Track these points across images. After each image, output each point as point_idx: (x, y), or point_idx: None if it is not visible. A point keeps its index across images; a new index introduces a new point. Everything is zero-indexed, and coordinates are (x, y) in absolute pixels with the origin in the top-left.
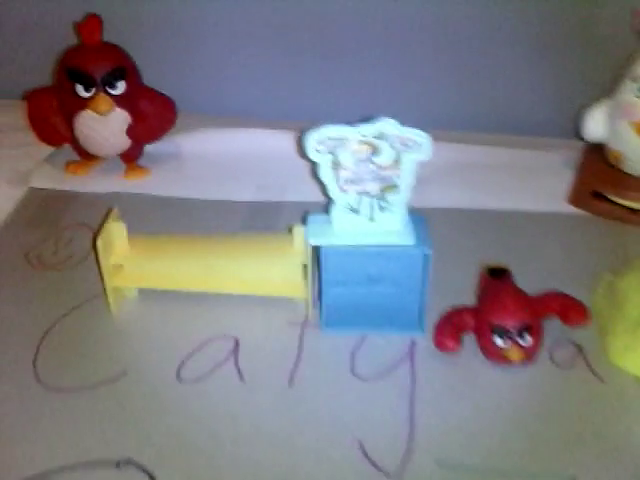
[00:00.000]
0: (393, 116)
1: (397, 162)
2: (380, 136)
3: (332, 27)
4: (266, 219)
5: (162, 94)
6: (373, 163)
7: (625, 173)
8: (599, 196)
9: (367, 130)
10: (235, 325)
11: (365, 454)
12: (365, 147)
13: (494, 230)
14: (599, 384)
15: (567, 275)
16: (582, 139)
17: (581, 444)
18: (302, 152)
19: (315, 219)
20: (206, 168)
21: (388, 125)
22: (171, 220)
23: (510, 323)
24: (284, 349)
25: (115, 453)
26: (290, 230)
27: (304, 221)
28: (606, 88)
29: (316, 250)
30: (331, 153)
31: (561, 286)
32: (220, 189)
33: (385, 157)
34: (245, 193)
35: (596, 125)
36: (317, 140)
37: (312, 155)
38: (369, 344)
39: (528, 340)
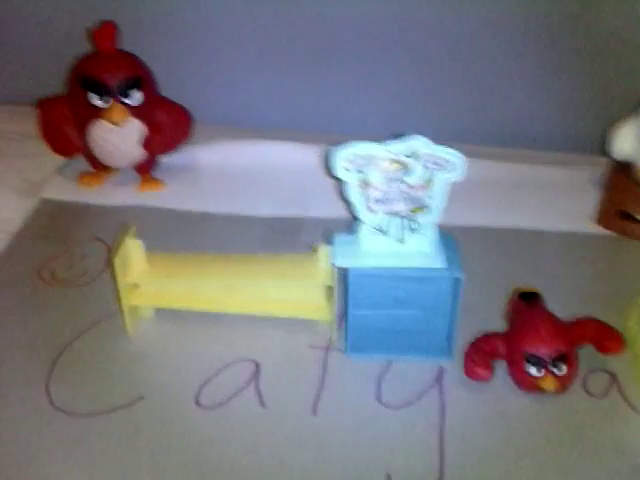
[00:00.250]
0: (416, 130)
1: (429, 182)
2: (411, 155)
3: (349, 38)
4: (284, 236)
5: (178, 104)
6: (404, 182)
7: None
8: (627, 216)
9: (398, 148)
10: (256, 348)
11: None
12: (396, 166)
13: (520, 250)
14: (633, 414)
15: (598, 299)
16: (608, 156)
17: (616, 476)
18: (328, 169)
19: (341, 239)
20: (222, 181)
21: (420, 143)
22: (186, 234)
23: (545, 351)
24: (307, 374)
25: None
26: (314, 249)
27: (327, 240)
28: (635, 104)
29: (341, 271)
30: (360, 171)
31: (592, 311)
32: (236, 203)
33: (416, 176)
34: (263, 208)
35: (624, 143)
36: (346, 158)
37: (340, 173)
38: (395, 370)
39: (563, 369)
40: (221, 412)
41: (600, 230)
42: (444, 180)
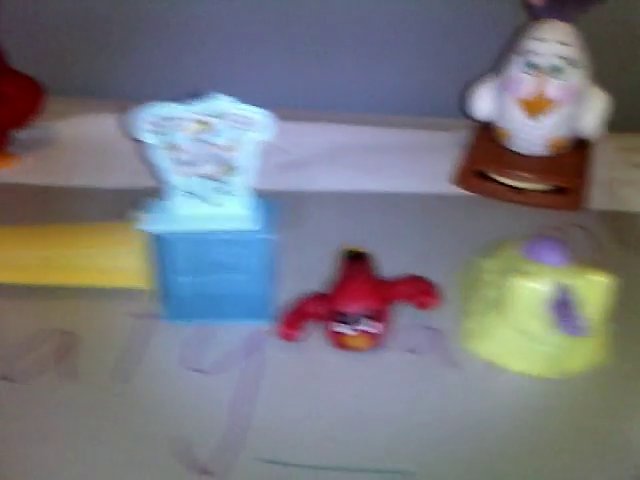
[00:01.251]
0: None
1: (237, 142)
2: (217, 114)
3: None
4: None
5: (28, 76)
6: (211, 144)
7: (513, 152)
8: (484, 176)
9: (201, 108)
10: (74, 319)
11: (191, 453)
12: (201, 126)
13: (371, 213)
14: (450, 368)
15: (442, 257)
16: (470, 117)
17: (423, 434)
18: (129, 133)
19: (155, 205)
20: (77, 155)
21: (224, 102)
22: (34, 210)
23: (353, 309)
24: (123, 342)
25: None
26: (130, 217)
27: (144, 208)
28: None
29: (157, 238)
30: (164, 134)
31: (434, 268)
32: (90, 176)
33: (223, 137)
34: (117, 180)
35: (483, 102)
36: (148, 120)
37: (143, 137)
38: (215, 334)
39: (375, 326)
40: (34, 384)
41: (457, 191)
42: (252, 140)
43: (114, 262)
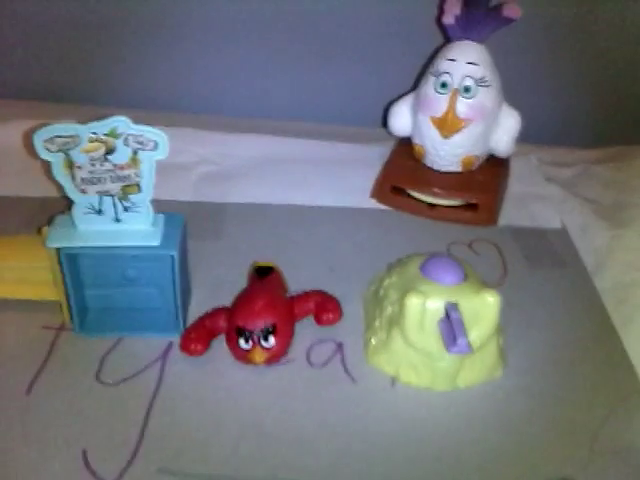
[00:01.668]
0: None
1: (135, 160)
2: (113, 134)
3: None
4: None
5: None
6: (109, 162)
7: (428, 168)
8: (401, 191)
9: (98, 128)
10: None
11: (86, 462)
12: (98, 145)
13: (290, 226)
14: (350, 383)
15: (353, 271)
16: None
17: (317, 446)
18: (34, 151)
19: (60, 221)
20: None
21: (120, 123)
22: None
23: (252, 325)
24: (32, 354)
25: None
26: (40, 232)
27: (51, 223)
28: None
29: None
30: (63, 152)
31: (343, 283)
32: (14, 184)
33: (120, 155)
34: (40, 188)
35: (400, 119)
36: (46, 139)
37: (42, 154)
38: (123, 347)
39: (272, 342)
40: None
41: (377, 205)
42: (150, 158)
43: (31, 275)
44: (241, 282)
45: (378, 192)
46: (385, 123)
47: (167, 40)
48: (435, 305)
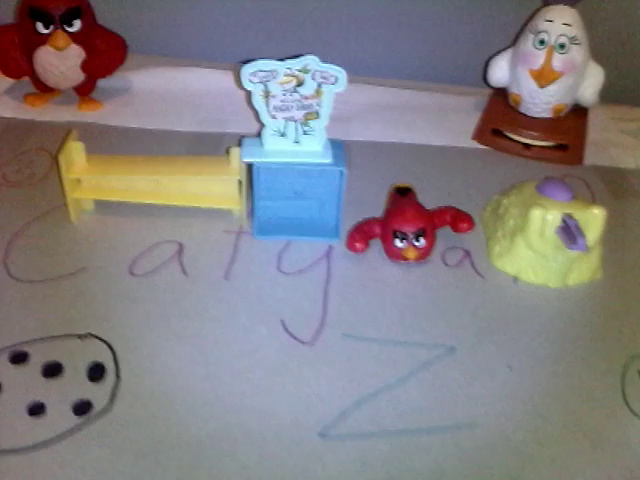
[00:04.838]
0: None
1: (318, 93)
2: (304, 70)
3: None
4: (208, 147)
5: (113, 32)
6: (297, 93)
7: (522, 114)
8: (499, 133)
9: (293, 64)
10: (180, 232)
11: (285, 328)
12: (291, 79)
13: (407, 160)
14: (479, 279)
15: (465, 196)
16: (488, 84)
17: (460, 322)
18: (239, 83)
19: (249, 142)
20: (154, 102)
21: (311, 61)
22: (121, 147)
23: (407, 228)
24: (221, 251)
25: (77, 329)
26: (227, 151)
27: (240, 144)
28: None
29: (250, 168)
30: (262, 83)
31: (458, 204)
32: (166, 120)
33: (307, 88)
34: (189, 125)
35: (499, 72)
36: (250, 72)
37: (246, 84)
38: (293, 248)
39: (422, 242)
40: (151, 278)
41: (477, 145)
42: (330, 91)
43: (215, 187)
44: (374, 201)
45: (479, 134)
46: (483, 77)
47: None
48: (553, 216)
